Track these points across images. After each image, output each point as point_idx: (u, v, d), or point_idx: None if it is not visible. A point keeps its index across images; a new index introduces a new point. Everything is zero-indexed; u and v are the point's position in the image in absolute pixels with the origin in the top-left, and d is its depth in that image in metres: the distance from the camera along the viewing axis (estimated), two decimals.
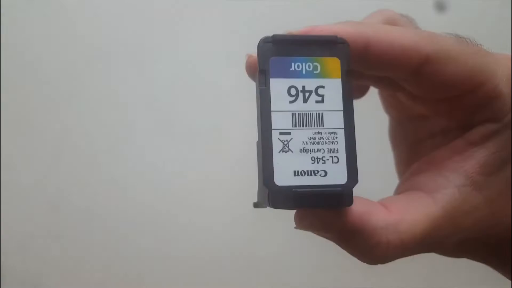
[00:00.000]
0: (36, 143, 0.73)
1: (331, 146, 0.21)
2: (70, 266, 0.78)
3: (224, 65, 0.67)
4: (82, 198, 0.75)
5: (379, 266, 0.22)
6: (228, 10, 0.66)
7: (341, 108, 0.21)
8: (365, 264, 0.22)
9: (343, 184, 0.20)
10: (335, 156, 0.20)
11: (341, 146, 0.21)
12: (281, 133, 0.20)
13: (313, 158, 0.20)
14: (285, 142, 0.20)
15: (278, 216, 0.24)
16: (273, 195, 0.20)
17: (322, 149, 0.21)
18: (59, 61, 0.70)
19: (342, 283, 0.71)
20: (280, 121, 0.21)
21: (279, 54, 0.21)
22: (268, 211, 0.24)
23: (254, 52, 0.22)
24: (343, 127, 0.21)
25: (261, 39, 0.21)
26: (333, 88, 0.21)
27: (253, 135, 0.22)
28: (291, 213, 0.22)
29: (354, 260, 0.22)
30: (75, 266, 0.78)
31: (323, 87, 0.21)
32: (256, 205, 0.24)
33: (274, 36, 0.21)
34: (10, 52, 0.69)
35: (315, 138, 0.21)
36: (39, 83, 0.71)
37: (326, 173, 0.20)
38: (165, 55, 0.69)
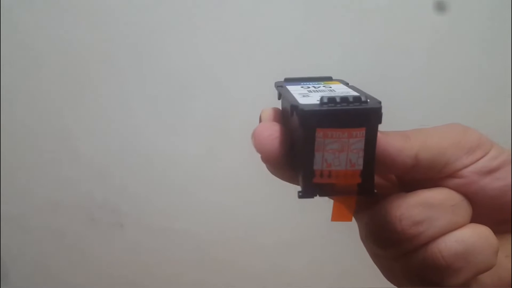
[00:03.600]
0: (36, 143, 0.73)
1: (346, 93, 0.24)
2: (71, 266, 0.78)
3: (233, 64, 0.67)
4: (83, 198, 0.75)
5: None
6: (233, 11, 0.66)
7: (348, 88, 0.26)
8: None
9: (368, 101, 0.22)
10: (351, 95, 0.22)
11: (355, 93, 0.24)
12: (300, 94, 0.24)
13: (332, 96, 0.22)
14: (305, 95, 0.24)
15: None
16: (303, 110, 0.21)
17: (338, 95, 0.22)
18: (66, 59, 0.70)
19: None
20: (298, 92, 0.24)
21: (291, 82, 0.27)
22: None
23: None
24: (353, 90, 0.25)
25: (275, 82, 0.28)
26: (338, 86, 0.26)
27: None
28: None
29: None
30: (75, 266, 0.78)
31: (330, 85, 0.26)
32: (300, 195, 0.23)
33: (285, 78, 0.28)
34: (10, 52, 0.69)
35: (330, 93, 0.24)
36: (38, 81, 0.71)
37: (349, 100, 0.21)
38: (170, 53, 0.69)
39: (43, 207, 0.75)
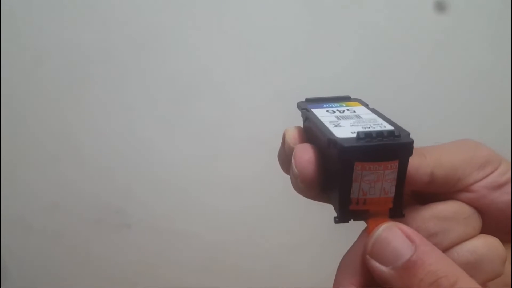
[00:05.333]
0: (36, 143, 0.73)
1: (375, 122, 0.25)
2: (73, 267, 0.78)
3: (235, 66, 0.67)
4: (83, 198, 0.75)
5: None
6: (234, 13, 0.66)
7: (371, 113, 0.27)
8: None
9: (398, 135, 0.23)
10: (382, 124, 0.25)
11: (382, 122, 0.25)
12: (330, 122, 0.26)
13: (363, 127, 0.25)
14: (336, 123, 0.25)
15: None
16: (341, 143, 0.23)
17: (369, 125, 0.25)
18: (65, 59, 0.70)
19: None
20: (327, 119, 0.26)
21: (313, 103, 0.29)
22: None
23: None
24: (378, 116, 0.26)
25: (297, 102, 0.29)
26: (360, 108, 0.28)
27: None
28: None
29: None
30: (77, 267, 0.78)
31: (353, 109, 0.28)
32: (336, 220, 0.25)
33: (306, 98, 0.29)
34: (10, 51, 0.69)
35: (359, 122, 0.25)
36: (40, 82, 0.71)
37: (383, 135, 0.23)
38: (172, 55, 0.69)
39: (45, 208, 0.75)
